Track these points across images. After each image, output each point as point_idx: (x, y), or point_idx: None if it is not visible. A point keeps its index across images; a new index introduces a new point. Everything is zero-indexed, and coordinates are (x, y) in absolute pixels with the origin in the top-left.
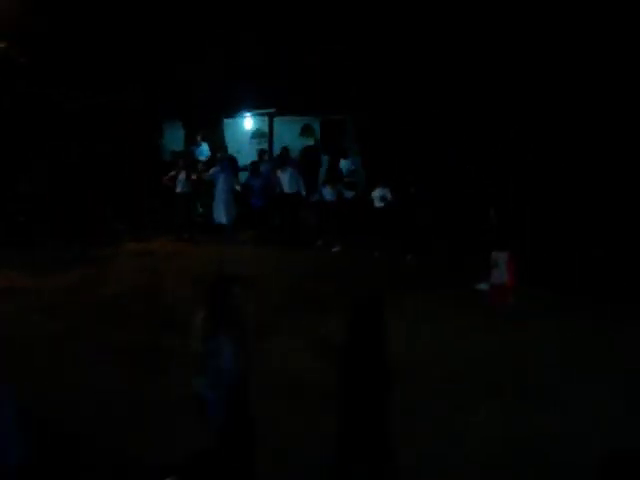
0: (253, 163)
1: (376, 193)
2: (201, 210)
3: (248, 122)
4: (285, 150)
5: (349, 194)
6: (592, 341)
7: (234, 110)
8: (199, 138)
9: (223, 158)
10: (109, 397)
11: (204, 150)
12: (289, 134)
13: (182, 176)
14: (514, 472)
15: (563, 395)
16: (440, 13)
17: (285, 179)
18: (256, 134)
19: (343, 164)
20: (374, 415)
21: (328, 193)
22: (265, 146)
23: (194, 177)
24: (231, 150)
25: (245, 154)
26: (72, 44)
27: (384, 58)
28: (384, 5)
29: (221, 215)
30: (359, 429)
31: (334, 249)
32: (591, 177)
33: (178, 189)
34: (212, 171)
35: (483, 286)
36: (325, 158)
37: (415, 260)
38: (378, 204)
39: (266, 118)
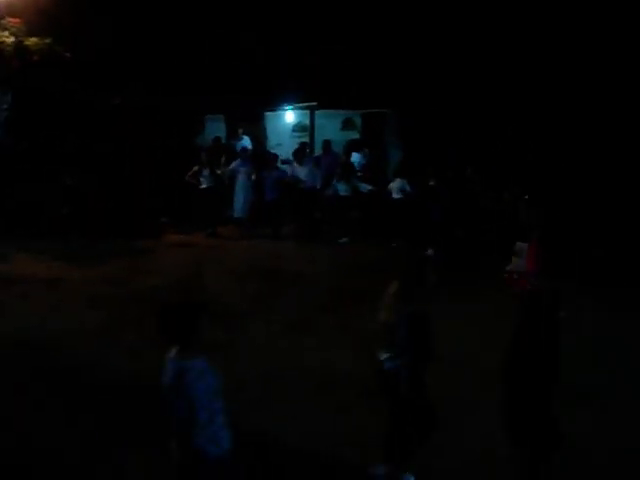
0: (272, 155)
1: (395, 184)
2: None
3: (290, 115)
4: (327, 143)
5: (365, 188)
6: None
7: (276, 104)
8: (240, 132)
9: (244, 152)
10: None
11: (245, 144)
12: (331, 128)
13: (206, 171)
14: None
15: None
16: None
17: (302, 173)
18: (297, 127)
19: (355, 157)
20: (543, 401)
21: (342, 189)
22: (306, 139)
23: (219, 172)
24: (272, 143)
25: (286, 147)
26: (110, 43)
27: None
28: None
29: (240, 209)
30: (527, 414)
31: (343, 242)
32: (592, 176)
33: (203, 185)
34: (233, 165)
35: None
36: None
37: (434, 253)
38: (396, 195)
39: (307, 112)
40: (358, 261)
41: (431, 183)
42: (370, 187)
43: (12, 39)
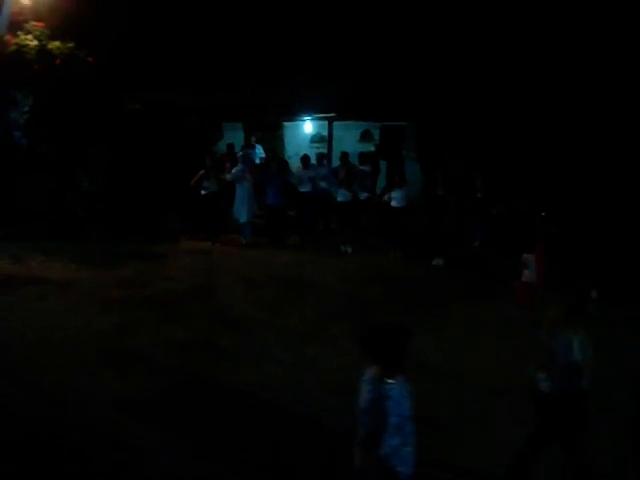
0: (281, 160)
1: (396, 194)
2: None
3: (308, 126)
4: (344, 155)
5: (363, 195)
6: None
7: (295, 113)
8: (253, 140)
9: (246, 156)
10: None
11: (258, 152)
12: (349, 139)
13: (211, 177)
14: None
15: None
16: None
17: (304, 177)
18: (316, 138)
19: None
20: None
21: (343, 194)
22: (324, 150)
23: (222, 177)
24: (290, 153)
25: None
26: (134, 46)
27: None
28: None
29: (241, 214)
30: None
31: (346, 250)
32: (603, 189)
33: (210, 189)
34: (235, 170)
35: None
36: (383, 164)
37: (442, 263)
38: (398, 204)
39: (326, 122)
40: (369, 270)
41: (440, 192)
42: (367, 194)
43: (35, 42)
